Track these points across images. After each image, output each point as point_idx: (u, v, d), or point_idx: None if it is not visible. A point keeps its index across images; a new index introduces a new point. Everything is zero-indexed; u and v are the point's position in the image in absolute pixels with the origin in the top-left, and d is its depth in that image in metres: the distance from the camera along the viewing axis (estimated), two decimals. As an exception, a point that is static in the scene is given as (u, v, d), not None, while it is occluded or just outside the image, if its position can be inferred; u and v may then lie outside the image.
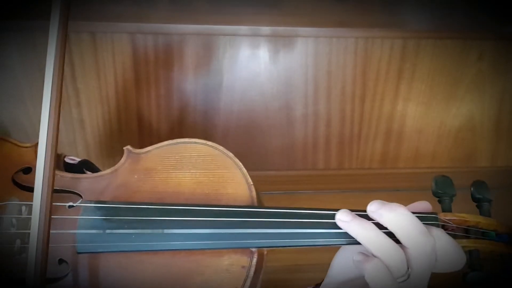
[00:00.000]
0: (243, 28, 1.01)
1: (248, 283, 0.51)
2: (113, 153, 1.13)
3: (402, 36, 1.06)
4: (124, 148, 0.62)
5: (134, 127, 1.09)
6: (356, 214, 0.49)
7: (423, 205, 0.53)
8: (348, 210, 0.49)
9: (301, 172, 1.18)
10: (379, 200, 0.48)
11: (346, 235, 0.49)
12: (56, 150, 0.51)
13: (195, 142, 0.61)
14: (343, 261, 0.54)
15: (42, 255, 0.47)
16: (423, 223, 0.47)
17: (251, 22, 1.02)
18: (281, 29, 1.03)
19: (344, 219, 0.48)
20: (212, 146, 0.61)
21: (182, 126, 1.10)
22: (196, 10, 1.06)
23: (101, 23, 0.99)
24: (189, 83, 1.07)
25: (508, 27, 1.09)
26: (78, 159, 0.76)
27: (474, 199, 0.55)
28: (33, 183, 0.56)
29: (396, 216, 0.46)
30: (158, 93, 1.07)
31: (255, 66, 1.06)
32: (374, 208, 0.48)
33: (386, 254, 0.45)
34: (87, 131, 1.09)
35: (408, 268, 0.45)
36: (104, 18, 1.00)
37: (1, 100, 1.03)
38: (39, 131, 0.51)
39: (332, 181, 1.17)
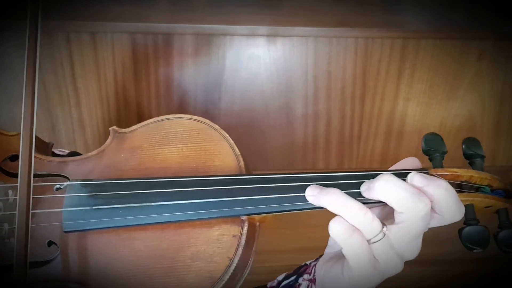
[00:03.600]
0: (243, 28, 1.01)
1: (240, 252, 0.51)
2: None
3: (402, 36, 1.06)
4: (110, 128, 0.62)
5: (134, 127, 1.09)
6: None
7: (411, 161, 0.53)
8: (316, 185, 0.49)
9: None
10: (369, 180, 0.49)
11: None
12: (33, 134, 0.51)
13: (181, 118, 0.61)
14: None
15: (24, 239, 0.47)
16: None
17: (251, 22, 1.02)
18: (281, 28, 1.03)
19: (311, 194, 0.49)
20: (198, 120, 0.60)
21: (182, 126, 1.10)
22: (195, 10, 1.06)
23: (101, 23, 0.99)
24: (189, 83, 1.07)
25: (507, 27, 1.09)
26: (67, 151, 0.76)
27: (466, 155, 0.54)
28: None
29: (383, 184, 0.46)
30: (158, 92, 1.07)
31: (255, 66, 1.06)
32: (365, 187, 0.48)
33: (351, 213, 0.45)
34: (87, 131, 1.09)
35: (383, 227, 0.45)
36: (104, 18, 1.00)
37: (1, 100, 1.03)
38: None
39: (332, 181, 1.17)
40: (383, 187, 0.46)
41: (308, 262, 0.58)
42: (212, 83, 1.07)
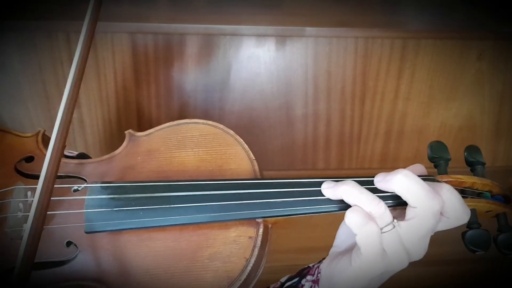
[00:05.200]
0: (243, 28, 1.02)
1: (256, 252, 0.52)
2: (113, 153, 1.13)
3: (402, 36, 1.06)
4: (125, 132, 0.63)
5: (134, 127, 1.09)
6: (364, 179, 0.52)
7: (418, 168, 0.55)
8: (331, 180, 0.52)
9: (301, 172, 1.18)
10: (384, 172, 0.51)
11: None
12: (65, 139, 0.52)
13: (196, 122, 0.63)
14: (348, 230, 0.55)
15: (34, 239, 0.47)
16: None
17: (251, 22, 1.02)
18: (281, 28, 1.03)
19: (327, 186, 0.52)
20: (212, 125, 0.62)
21: (182, 126, 1.10)
22: (196, 10, 1.06)
23: (101, 23, 0.99)
24: (189, 83, 1.07)
25: (507, 27, 1.09)
26: (76, 152, 0.77)
27: (468, 162, 0.58)
28: (36, 171, 0.57)
29: (402, 178, 0.48)
30: (158, 92, 1.07)
31: (255, 65, 1.06)
32: (381, 178, 0.50)
33: (365, 202, 0.48)
34: (87, 131, 1.09)
35: (393, 219, 0.48)
36: (104, 18, 1.00)
37: (1, 100, 1.03)
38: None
39: (332, 181, 1.17)
40: (402, 181, 0.48)
41: (311, 265, 0.59)
42: (212, 83, 1.07)
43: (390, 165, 1.18)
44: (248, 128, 1.12)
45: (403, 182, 0.48)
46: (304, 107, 1.11)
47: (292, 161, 1.16)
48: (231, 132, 0.61)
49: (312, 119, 1.12)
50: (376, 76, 1.09)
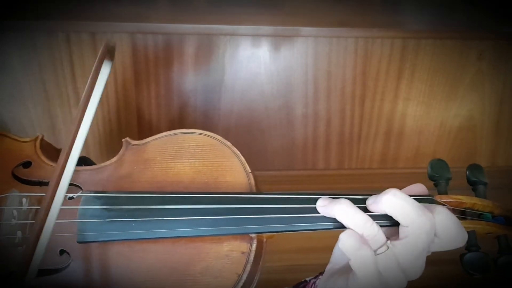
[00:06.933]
0: (243, 28, 1.01)
1: (248, 268, 0.52)
2: (112, 153, 1.12)
3: (402, 36, 1.06)
4: (122, 140, 0.62)
5: (134, 127, 1.09)
6: (358, 197, 0.52)
7: (419, 188, 0.54)
8: (326, 197, 0.52)
9: (301, 172, 1.18)
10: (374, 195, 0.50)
11: None
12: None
13: (193, 133, 0.62)
14: None
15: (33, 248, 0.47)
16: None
17: (251, 22, 1.02)
18: (281, 28, 1.03)
19: (321, 204, 0.51)
20: (210, 136, 0.62)
21: (182, 126, 1.08)
22: (196, 10, 1.06)
23: (101, 23, 0.99)
24: (189, 83, 1.07)
25: (507, 27, 1.09)
26: None
27: (470, 182, 0.56)
28: (33, 177, 0.57)
29: (390, 198, 0.47)
30: (158, 93, 1.07)
31: (255, 66, 1.06)
32: (371, 200, 0.50)
33: (358, 224, 0.47)
34: (87, 131, 1.09)
35: (387, 240, 0.47)
36: (104, 18, 1.00)
37: (1, 100, 1.03)
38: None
39: (332, 181, 1.17)
40: (390, 201, 0.47)
41: (307, 279, 0.58)
42: (212, 83, 1.07)
43: (390, 165, 1.18)
44: (248, 129, 1.12)
45: (391, 202, 0.47)
46: (304, 107, 1.11)
47: (292, 161, 1.16)
48: (228, 143, 0.61)
49: (312, 119, 1.12)
50: (376, 76, 1.09)
